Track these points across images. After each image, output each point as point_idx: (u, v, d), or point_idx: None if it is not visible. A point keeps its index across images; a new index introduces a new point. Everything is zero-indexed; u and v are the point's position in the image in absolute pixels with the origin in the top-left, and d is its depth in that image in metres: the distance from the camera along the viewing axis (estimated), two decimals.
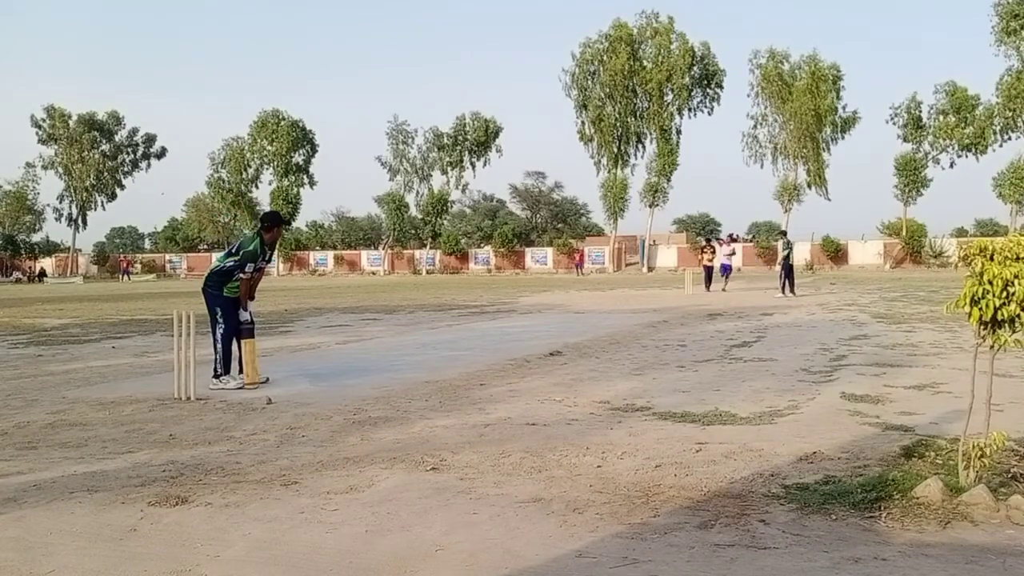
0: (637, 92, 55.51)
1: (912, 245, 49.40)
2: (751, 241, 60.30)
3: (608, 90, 55.22)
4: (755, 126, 54.15)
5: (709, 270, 24.81)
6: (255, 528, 3.33)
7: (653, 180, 55.65)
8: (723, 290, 23.05)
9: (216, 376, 7.05)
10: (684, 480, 3.87)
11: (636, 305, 17.62)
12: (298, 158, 65.80)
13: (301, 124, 65.73)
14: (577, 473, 4.05)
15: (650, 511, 3.44)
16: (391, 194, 64.02)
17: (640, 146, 57.11)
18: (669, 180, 55.94)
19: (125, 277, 58.18)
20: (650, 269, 54.81)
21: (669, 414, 5.49)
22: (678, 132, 55.99)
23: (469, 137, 62.22)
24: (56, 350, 10.58)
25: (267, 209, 64.41)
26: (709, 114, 56.16)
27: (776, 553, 2.93)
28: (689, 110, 55.75)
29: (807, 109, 50.15)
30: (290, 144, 64.64)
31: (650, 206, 56.12)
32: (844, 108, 52.50)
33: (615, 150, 56.34)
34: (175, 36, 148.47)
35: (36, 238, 71.75)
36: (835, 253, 52.10)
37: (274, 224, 7.47)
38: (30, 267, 65.70)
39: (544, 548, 3.06)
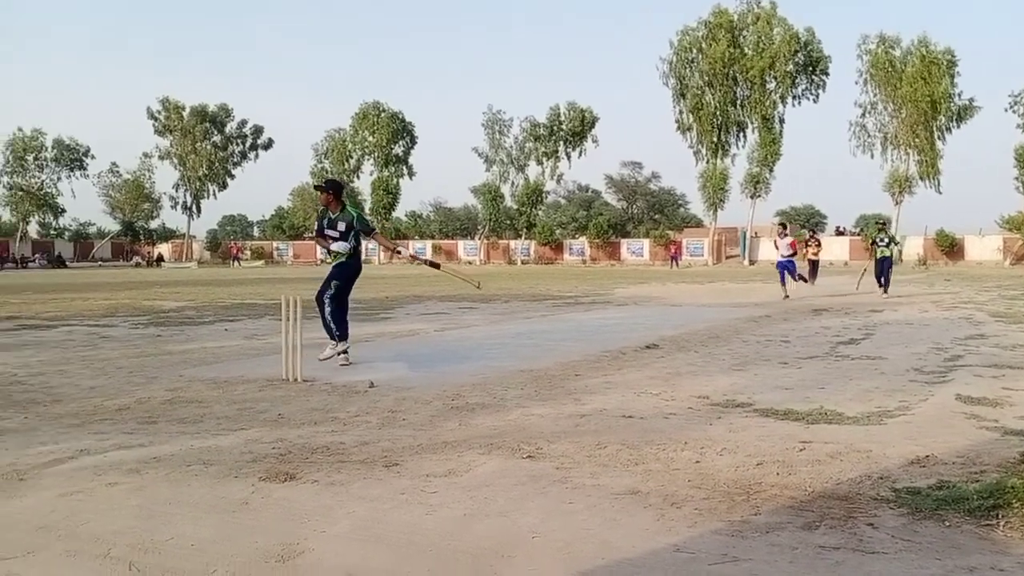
0: (738, 80, 54.12)
1: None
2: (859, 234, 57.88)
3: (707, 78, 54.05)
4: (863, 115, 52.02)
5: (814, 264, 23.99)
6: (359, 506, 3.44)
7: (755, 170, 54.21)
8: (785, 297, 17.73)
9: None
10: (787, 479, 3.77)
11: (736, 299, 17.23)
12: (397, 149, 67.31)
13: (400, 116, 67.13)
14: (675, 467, 4.01)
15: (751, 509, 3.37)
16: (487, 184, 64.62)
17: (741, 135, 55.76)
18: (772, 170, 54.41)
19: (235, 263, 60.80)
20: (751, 262, 53.40)
21: (771, 411, 5.35)
22: (781, 121, 54.36)
23: (564, 127, 62.08)
24: (174, 331, 11.18)
25: (368, 199, 66.26)
26: (814, 102, 54.24)
27: (885, 558, 2.82)
28: (793, 98, 54.01)
29: (920, 96, 47.64)
30: (390, 135, 66.14)
31: (751, 197, 54.74)
32: (960, 96, 49.57)
33: (715, 139, 55.14)
34: (280, 30, 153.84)
35: (153, 225, 75.96)
36: (950, 248, 49.50)
37: (317, 189, 8.05)
38: (148, 252, 69.52)
39: (641, 541, 3.04)
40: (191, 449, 4.39)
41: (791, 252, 18.90)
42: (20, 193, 65.50)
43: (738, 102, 54.85)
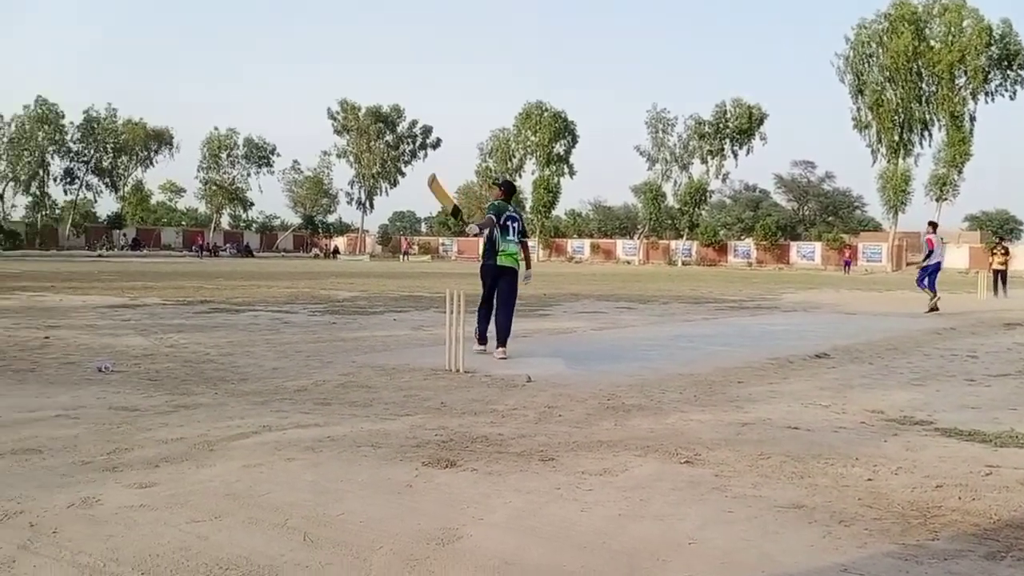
0: (922, 75, 50.32)
1: None
2: None
3: (889, 73, 50.57)
4: None
5: (1000, 274, 21.93)
6: (515, 498, 3.51)
7: (941, 171, 50.28)
8: (935, 309, 15.47)
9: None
10: (970, 504, 3.49)
11: (917, 309, 16.03)
12: (559, 148, 67.89)
13: (563, 115, 67.62)
14: (844, 484, 3.80)
15: (928, 533, 3.14)
16: (648, 183, 63.87)
17: (926, 134, 51.81)
18: (960, 172, 50.25)
19: (404, 257, 63.60)
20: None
21: (954, 431, 4.96)
22: (972, 119, 50.04)
23: (731, 124, 60.23)
24: (347, 319, 11.86)
25: (529, 198, 67.23)
26: (1011, 98, 49.39)
27: None
28: (986, 94, 49.52)
29: None
30: (552, 135, 66.83)
31: (937, 200, 50.82)
32: None
33: (896, 138, 51.62)
34: (443, 31, 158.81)
35: (331, 219, 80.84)
36: None
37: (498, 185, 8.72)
38: (325, 244, 74.06)
39: (805, 557, 2.91)
40: (361, 431, 4.65)
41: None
42: (214, 187, 71.62)
43: (923, 98, 51.04)
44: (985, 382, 7.01)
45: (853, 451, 4.41)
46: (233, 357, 7.60)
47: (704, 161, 61.92)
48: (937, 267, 16.21)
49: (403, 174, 75.52)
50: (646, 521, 3.26)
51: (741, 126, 59.77)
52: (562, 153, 68.14)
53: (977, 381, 7.06)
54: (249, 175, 73.10)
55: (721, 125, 60.37)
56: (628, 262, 63.16)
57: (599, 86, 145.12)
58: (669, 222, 66.38)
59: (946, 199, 51.10)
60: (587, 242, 70.73)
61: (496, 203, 8.19)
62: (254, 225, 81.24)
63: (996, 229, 64.25)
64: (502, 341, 7.81)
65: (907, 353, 9.03)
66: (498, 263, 7.88)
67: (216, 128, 71.49)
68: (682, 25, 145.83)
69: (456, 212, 8.33)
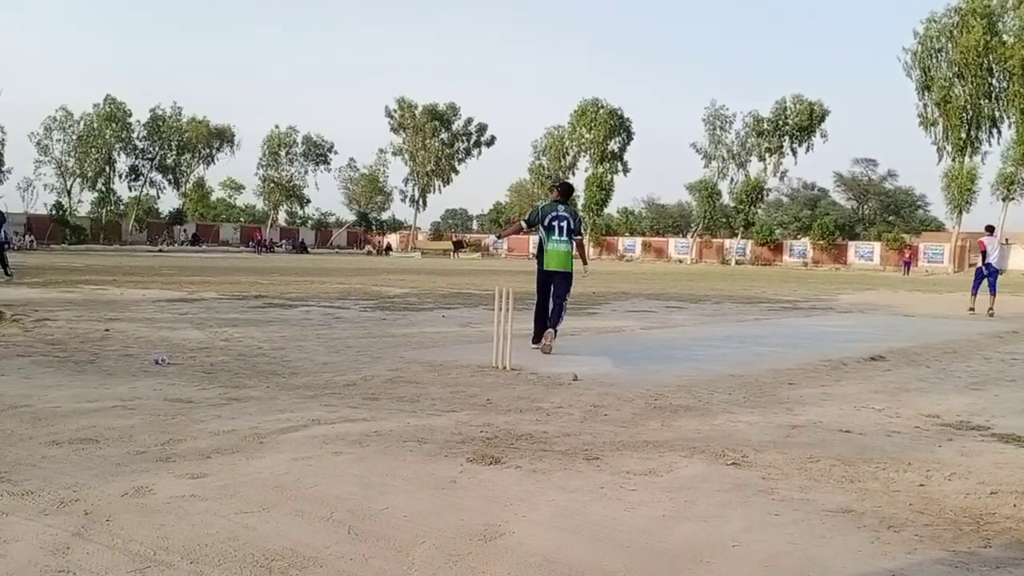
0: (993, 71, 48.64)
1: None
2: None
3: (958, 69, 49.02)
4: None
5: None
6: (559, 496, 3.51)
7: (1009, 170, 48.58)
8: (990, 311, 15.23)
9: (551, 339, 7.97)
10: None
11: (979, 311, 15.54)
12: (613, 146, 67.47)
13: (619, 112, 67.17)
14: (895, 489, 3.72)
15: (980, 540, 3.06)
16: (703, 181, 63.12)
17: (995, 131, 50.08)
18: None
19: (454, 255, 63.98)
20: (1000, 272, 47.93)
21: (1012, 437, 4.80)
22: None
23: (790, 121, 59.14)
24: (397, 315, 12.00)
25: (582, 195, 67.05)
26: None
27: None
28: None
29: None
30: (607, 132, 66.46)
31: (1004, 199, 49.10)
32: None
33: (962, 135, 50.05)
34: (506, 32, 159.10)
35: (384, 216, 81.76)
36: None
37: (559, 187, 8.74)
38: (379, 241, 74.91)
39: (852, 562, 2.86)
40: (408, 426, 4.71)
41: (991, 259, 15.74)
42: (272, 184, 73.05)
43: (993, 95, 49.36)
44: None
45: (906, 456, 4.31)
46: (285, 351, 7.75)
47: (762, 159, 60.97)
48: (991, 271, 15.81)
49: (456, 172, 76.03)
50: (690, 522, 3.24)
51: (801, 123, 58.66)
52: (616, 151, 67.72)
53: None
54: (307, 172, 74.46)
55: (781, 122, 59.32)
56: (680, 261, 62.50)
57: (656, 83, 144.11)
58: (724, 220, 65.46)
59: (1013, 199, 49.37)
60: (639, 240, 70.18)
61: (539, 205, 8.33)
62: (310, 222, 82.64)
63: None
64: (551, 324, 7.99)
65: (966, 357, 8.76)
66: (544, 267, 8.10)
67: (277, 126, 72.94)
68: (742, 22, 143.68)
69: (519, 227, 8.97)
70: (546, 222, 8.05)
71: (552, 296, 8.07)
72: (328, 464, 3.89)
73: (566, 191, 8.75)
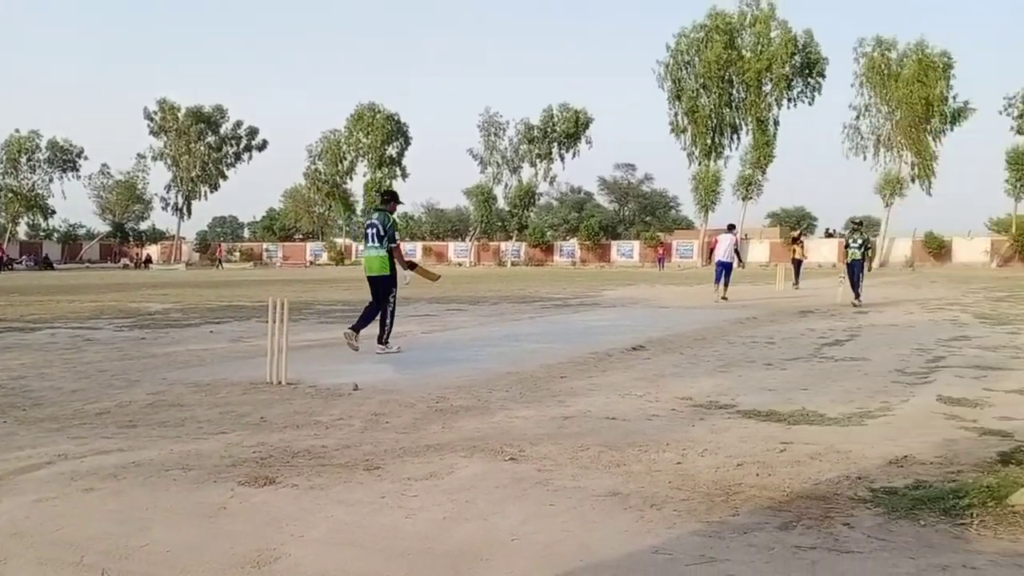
0: (734, 82, 54.27)
1: (1022, 242, 46.70)
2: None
3: (703, 80, 54.15)
4: (857, 117, 52.21)
5: (798, 264, 24.28)
6: (338, 510, 3.42)
7: (747, 172, 54.43)
8: (723, 298, 17.40)
9: (384, 342, 8.60)
10: (766, 480, 3.78)
11: (723, 301, 17.25)
12: (392, 151, 67.31)
13: (396, 117, 67.14)
14: (656, 469, 4.01)
15: (730, 510, 3.37)
16: (480, 186, 64.69)
17: (735, 138, 55.89)
18: (764, 173, 54.68)
19: (220, 265, 60.64)
20: (741, 264, 53.54)
21: (754, 412, 5.37)
22: (776, 123, 54.57)
23: (558, 128, 62.18)
24: (158, 333, 11.12)
25: (361, 200, 66.25)
26: (809, 104, 54.41)
27: (859, 558, 2.83)
28: (788, 100, 54.21)
29: (915, 99, 47.92)
30: (384, 137, 66.17)
31: (743, 199, 54.95)
32: (955, 98, 49.93)
33: (708, 142, 55.34)
34: (278, 30, 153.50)
35: (143, 226, 75.72)
36: (938, 250, 49.83)
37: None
38: (137, 254, 69.27)
39: (620, 543, 3.04)
40: (171, 453, 4.37)
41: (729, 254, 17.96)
42: (10, 194, 65.18)
43: (734, 104, 55.02)
44: (781, 366, 7.65)
45: (665, 437, 4.67)
46: (26, 380, 6.92)
47: (533, 164, 63.55)
48: (721, 265, 17.92)
49: (225, 177, 72.11)
50: (470, 522, 3.28)
51: (568, 130, 61.84)
52: (395, 155, 67.60)
53: (774, 365, 7.69)
54: (51, 180, 67.15)
55: (549, 129, 62.16)
56: (460, 264, 63.65)
57: (433, 89, 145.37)
58: (500, 224, 67.48)
59: (751, 198, 55.34)
60: (419, 245, 70.57)
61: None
62: (55, 235, 74.63)
63: (794, 225, 70.38)
64: (354, 326, 8.56)
65: (713, 342, 9.68)
66: (366, 271, 8.79)
67: (17, 130, 65.09)
68: (516, 31, 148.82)
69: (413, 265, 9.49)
70: (364, 231, 8.87)
71: (373, 299, 8.65)
72: (77, 503, 3.51)
73: (382, 198, 9.36)
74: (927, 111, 48.49)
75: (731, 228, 19.18)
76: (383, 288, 8.58)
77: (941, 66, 48.68)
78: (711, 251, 17.83)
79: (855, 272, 16.30)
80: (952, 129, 50.67)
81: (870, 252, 16.86)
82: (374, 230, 8.59)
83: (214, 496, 3.61)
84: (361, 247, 8.63)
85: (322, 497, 3.60)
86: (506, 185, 64.39)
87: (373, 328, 8.69)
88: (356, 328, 8.49)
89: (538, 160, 63.21)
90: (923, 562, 2.78)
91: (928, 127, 49.60)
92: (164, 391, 6.36)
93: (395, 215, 9.15)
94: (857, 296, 15.90)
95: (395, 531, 3.18)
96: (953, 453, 4.18)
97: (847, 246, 17.05)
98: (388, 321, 8.60)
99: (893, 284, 26.16)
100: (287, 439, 4.70)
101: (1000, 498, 3.28)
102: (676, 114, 55.89)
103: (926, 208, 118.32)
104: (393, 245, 8.68)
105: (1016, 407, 5.46)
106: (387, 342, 8.61)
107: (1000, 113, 48.89)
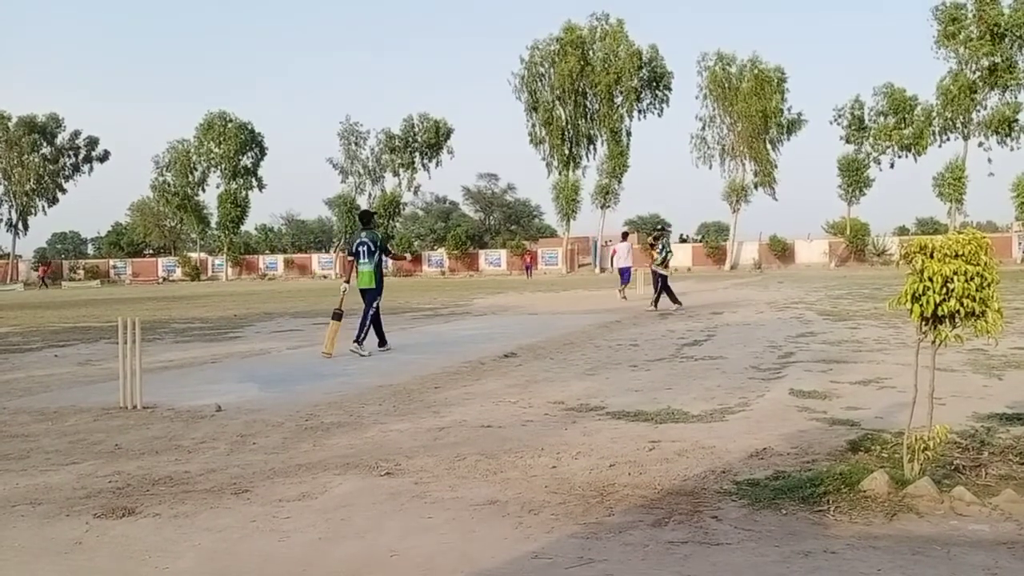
0: (587, 94, 55.89)
1: (856, 244, 50.75)
2: (701, 241, 61.38)
3: (558, 92, 55.49)
4: (703, 128, 54.96)
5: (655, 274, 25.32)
6: (205, 538, 3.26)
7: (604, 182, 56.10)
8: (623, 298, 19.40)
9: (359, 342, 9.59)
10: (638, 479, 3.91)
11: (590, 306, 17.74)
12: (246, 161, 64.83)
13: (249, 126, 64.76)
14: (532, 474, 4.06)
15: (605, 510, 3.46)
16: (342, 196, 63.47)
17: (591, 148, 57.50)
18: (620, 181, 56.49)
19: (43, 284, 56.68)
20: (602, 270, 55.16)
21: (623, 413, 5.54)
22: (628, 134, 56.52)
23: (419, 138, 61.99)
24: None
25: (215, 212, 63.55)
26: (659, 116, 56.83)
27: (728, 549, 2.98)
28: (638, 112, 56.28)
29: (754, 111, 51.10)
30: (238, 146, 63.64)
31: (602, 207, 56.59)
32: (789, 110, 53.60)
33: (566, 152, 56.65)
34: (118, 36, 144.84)
35: None
36: (782, 252, 53.22)
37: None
38: None
39: (500, 550, 3.05)
40: (16, 488, 4.02)
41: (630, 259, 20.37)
42: None
43: (588, 115, 56.62)
44: (646, 367, 7.94)
45: (539, 442, 4.73)
46: None
47: (396, 174, 62.99)
48: (621, 270, 20.44)
49: (64, 191, 67.25)
50: (347, 541, 3.21)
51: (429, 140, 61.71)
52: (250, 165, 65.16)
53: (639, 367, 7.97)
54: None
55: (410, 139, 61.83)
56: (325, 276, 62.13)
57: (289, 98, 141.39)
58: None
59: (609, 206, 57.11)
60: (280, 257, 68.37)
61: (352, 237, 9.95)
62: None
63: (651, 231, 73.37)
64: (356, 338, 9.61)
65: (581, 346, 9.93)
66: (357, 286, 9.82)
67: None
68: (374, 40, 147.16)
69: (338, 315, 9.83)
70: (354, 249, 9.86)
71: (364, 308, 9.75)
72: None
73: (362, 219, 10.60)
74: (765, 122, 51.77)
75: (625, 236, 21.68)
76: (371, 297, 9.84)
77: (775, 80, 52.12)
78: (612, 258, 20.67)
79: (664, 280, 16.42)
80: (788, 139, 54.35)
81: (669, 256, 17.23)
82: (365, 248, 9.76)
83: (68, 531, 3.36)
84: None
85: (187, 525, 3.42)
86: (370, 195, 63.53)
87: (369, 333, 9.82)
88: (359, 340, 9.58)
89: (401, 169, 62.74)
90: (787, 549, 2.95)
91: (767, 137, 52.96)
92: (5, 421, 5.85)
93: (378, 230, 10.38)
94: (654, 304, 16.15)
95: (268, 556, 3.07)
96: (807, 443, 4.47)
97: (661, 253, 16.91)
98: (369, 324, 9.72)
99: (743, 285, 27.72)
100: (146, 466, 4.44)
101: (852, 484, 3.53)
102: (534, 125, 56.97)
103: (771, 212, 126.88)
104: (387, 255, 10.31)
105: (860, 397, 5.90)
106: (362, 343, 9.58)
107: (831, 123, 52.93)
